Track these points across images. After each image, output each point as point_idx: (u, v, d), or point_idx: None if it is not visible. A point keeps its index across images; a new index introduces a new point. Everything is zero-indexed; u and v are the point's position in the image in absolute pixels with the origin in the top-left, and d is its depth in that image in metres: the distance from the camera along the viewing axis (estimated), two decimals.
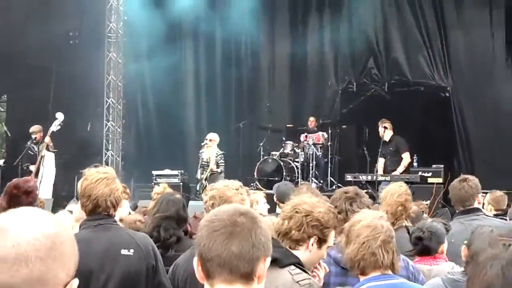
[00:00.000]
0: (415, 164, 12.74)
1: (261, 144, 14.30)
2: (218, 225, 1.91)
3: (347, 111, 15.07)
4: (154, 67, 15.37)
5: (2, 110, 18.39)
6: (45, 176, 12.17)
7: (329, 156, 14.15)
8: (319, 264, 3.31)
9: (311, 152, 13.71)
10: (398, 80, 14.75)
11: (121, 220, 4.98)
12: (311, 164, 13.64)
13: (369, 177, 12.22)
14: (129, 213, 6.18)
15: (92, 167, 3.87)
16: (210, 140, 12.68)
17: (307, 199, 3.33)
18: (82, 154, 14.99)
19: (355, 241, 3.16)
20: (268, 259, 1.95)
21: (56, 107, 13.63)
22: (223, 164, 12.74)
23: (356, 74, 15.26)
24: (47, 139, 12.38)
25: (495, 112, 13.79)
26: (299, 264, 3.04)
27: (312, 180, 13.41)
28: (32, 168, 12.53)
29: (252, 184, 13.20)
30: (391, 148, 12.63)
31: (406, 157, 12.57)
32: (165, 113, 15.96)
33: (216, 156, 12.65)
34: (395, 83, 14.82)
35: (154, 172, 13.83)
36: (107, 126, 15.85)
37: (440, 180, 11.72)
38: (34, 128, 13.04)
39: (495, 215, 6.58)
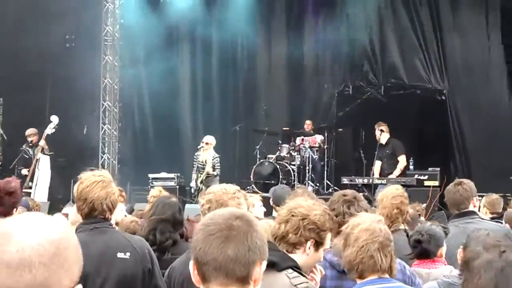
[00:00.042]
0: (411, 167, 12.74)
1: (258, 147, 14.31)
2: (214, 228, 1.91)
3: (343, 114, 15.09)
4: (150, 70, 15.38)
5: None
6: (41, 179, 12.16)
7: (326, 159, 14.18)
8: (315, 267, 3.31)
9: (307, 155, 13.72)
10: (394, 83, 14.78)
11: (117, 223, 4.98)
12: (307, 167, 13.65)
13: (365, 180, 12.23)
14: (125, 216, 6.18)
15: (88, 170, 3.87)
16: (207, 143, 12.70)
17: (303, 202, 3.33)
18: (78, 157, 14.96)
19: (353, 244, 3.16)
20: (264, 263, 1.95)
21: (52, 110, 13.60)
22: (219, 167, 12.76)
23: (352, 77, 15.29)
24: (42, 142, 12.38)
25: (491, 114, 13.82)
26: (296, 268, 3.04)
27: (308, 183, 13.42)
28: (25, 171, 12.52)
29: (248, 187, 13.20)
30: (387, 151, 12.65)
31: (402, 160, 12.58)
32: (161, 116, 15.96)
33: (212, 159, 12.67)
34: (391, 86, 14.84)
35: (151, 175, 13.83)
36: (103, 129, 15.83)
37: (436, 183, 11.73)
38: (30, 131, 13.03)
39: (492, 219, 6.58)
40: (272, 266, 2.77)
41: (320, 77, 15.73)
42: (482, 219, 5.62)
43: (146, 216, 5.14)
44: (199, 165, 12.77)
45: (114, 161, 15.89)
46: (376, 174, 12.52)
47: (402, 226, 4.97)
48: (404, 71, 14.61)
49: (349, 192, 4.11)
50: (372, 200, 8.49)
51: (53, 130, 12.42)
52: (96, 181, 3.67)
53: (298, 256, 3.17)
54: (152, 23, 15.26)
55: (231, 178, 12.69)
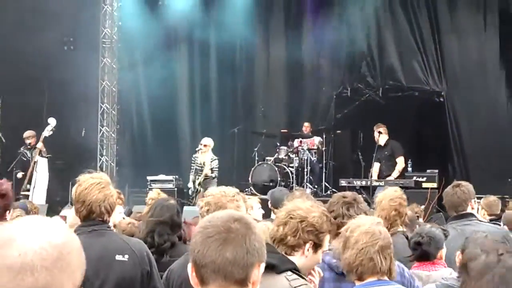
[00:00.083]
0: (409, 169, 12.75)
1: (256, 149, 14.29)
2: (212, 231, 1.91)
3: (341, 116, 15.08)
4: (149, 72, 15.37)
5: None
6: (39, 182, 12.15)
7: (324, 161, 14.16)
8: (313, 269, 3.31)
9: (305, 157, 13.71)
10: (393, 85, 14.79)
11: (114, 225, 4.97)
12: (305, 169, 13.63)
13: (364, 182, 12.24)
14: (123, 219, 6.17)
15: (86, 172, 3.86)
16: (205, 145, 12.70)
17: (301, 204, 3.33)
18: (77, 159, 14.93)
19: (353, 247, 3.17)
20: (263, 265, 1.95)
21: (51, 112, 13.59)
22: (217, 169, 12.76)
23: (350, 79, 15.30)
24: (40, 144, 12.38)
25: (489, 116, 13.83)
26: (295, 270, 3.04)
27: (306, 185, 13.42)
28: (20, 175, 12.51)
29: (246, 189, 13.19)
30: (386, 153, 12.65)
31: (400, 162, 12.59)
32: (160, 118, 15.95)
33: (210, 161, 12.67)
34: (389, 88, 14.85)
35: (149, 178, 13.82)
36: (102, 132, 15.82)
37: (435, 185, 11.74)
38: (28, 133, 13.02)
39: (490, 220, 6.58)
40: (271, 268, 2.77)
41: (318, 79, 15.73)
42: (480, 221, 5.62)
43: (144, 218, 5.13)
44: (197, 167, 12.78)
45: (112, 164, 15.88)
46: (375, 176, 12.53)
47: (400, 228, 4.96)
48: (402, 73, 14.63)
49: (349, 194, 4.11)
50: (370, 202, 8.49)
51: (51, 132, 12.41)
52: (94, 183, 3.66)
53: (297, 258, 3.17)
54: (150, 25, 15.25)
55: (230, 180, 12.67)
